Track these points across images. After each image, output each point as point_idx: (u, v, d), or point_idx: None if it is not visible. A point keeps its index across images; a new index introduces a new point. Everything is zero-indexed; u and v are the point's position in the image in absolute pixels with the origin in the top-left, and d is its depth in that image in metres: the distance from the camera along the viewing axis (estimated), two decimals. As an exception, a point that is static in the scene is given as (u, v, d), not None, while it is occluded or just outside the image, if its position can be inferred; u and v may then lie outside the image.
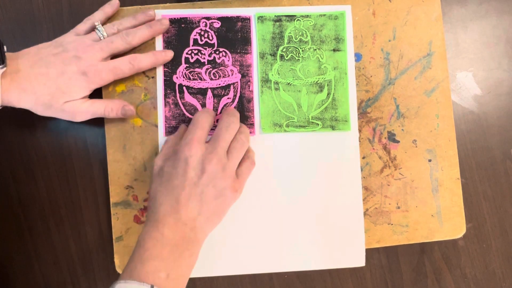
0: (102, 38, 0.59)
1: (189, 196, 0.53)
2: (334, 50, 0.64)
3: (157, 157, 0.58)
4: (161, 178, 0.55)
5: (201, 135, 0.56)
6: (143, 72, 0.63)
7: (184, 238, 0.53)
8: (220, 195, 0.55)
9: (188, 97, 0.63)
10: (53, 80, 0.56)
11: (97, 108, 0.59)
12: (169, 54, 0.62)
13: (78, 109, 0.58)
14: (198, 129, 0.57)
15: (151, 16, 0.62)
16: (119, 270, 0.62)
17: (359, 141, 0.64)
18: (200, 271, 0.63)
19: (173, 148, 0.58)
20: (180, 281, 0.53)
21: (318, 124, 0.63)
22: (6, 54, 0.55)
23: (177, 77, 0.63)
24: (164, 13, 0.63)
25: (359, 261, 0.63)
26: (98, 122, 0.63)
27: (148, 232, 0.52)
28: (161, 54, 0.62)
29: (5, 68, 0.54)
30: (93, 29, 0.61)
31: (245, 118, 0.63)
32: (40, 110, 0.57)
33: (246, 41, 0.64)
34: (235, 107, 0.63)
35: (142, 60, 0.60)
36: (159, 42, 0.63)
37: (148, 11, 0.62)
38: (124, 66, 0.59)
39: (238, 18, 0.63)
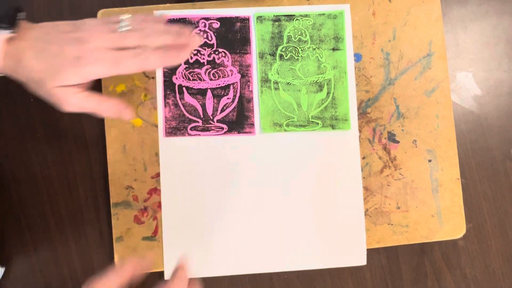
0: (120, 29, 0.53)
1: None
2: (333, 49, 0.64)
3: None
4: None
5: None
6: (143, 72, 0.63)
7: None
8: None
9: (188, 98, 0.63)
10: (49, 58, 0.50)
11: (89, 105, 0.53)
12: (183, 56, 0.54)
13: (67, 98, 0.52)
14: None
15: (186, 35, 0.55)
16: (119, 270, 0.62)
17: (359, 141, 0.64)
18: (200, 271, 0.63)
19: None
20: None
21: (318, 123, 0.63)
22: (23, 22, 0.52)
23: (176, 78, 0.63)
24: (164, 14, 0.63)
25: (360, 260, 0.63)
26: (98, 122, 0.64)
27: None
28: (172, 55, 0.53)
29: (13, 34, 0.50)
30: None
31: (245, 118, 0.63)
32: (32, 87, 0.52)
33: (245, 41, 0.64)
34: (235, 107, 0.63)
35: (150, 57, 0.51)
36: (159, 42, 0.63)
37: (187, 31, 0.55)
38: (127, 60, 0.51)
39: (237, 19, 0.64)
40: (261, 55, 0.63)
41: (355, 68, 0.64)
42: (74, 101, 0.52)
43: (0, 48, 0.50)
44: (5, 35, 0.50)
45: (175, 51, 0.53)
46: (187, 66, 0.63)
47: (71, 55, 0.50)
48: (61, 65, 0.50)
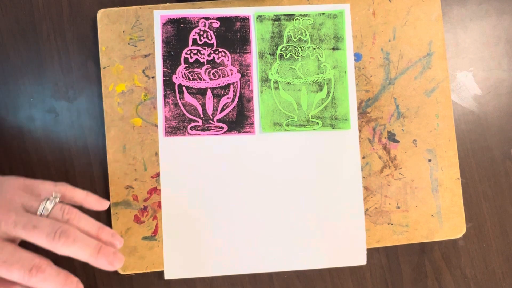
0: (40, 214, 0.43)
1: None
2: (333, 49, 0.64)
3: None
4: None
5: None
6: (143, 72, 0.63)
7: None
8: None
9: (188, 97, 0.63)
10: None
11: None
12: None
13: None
14: None
15: (115, 245, 0.47)
16: (119, 270, 0.62)
17: (359, 141, 0.64)
18: (200, 271, 0.63)
19: None
20: None
21: (318, 123, 0.63)
22: None
23: (176, 77, 0.63)
24: (163, 13, 0.63)
25: (361, 259, 0.63)
26: (98, 122, 0.64)
27: None
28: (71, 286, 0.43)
29: None
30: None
31: (245, 117, 0.63)
32: None
33: (245, 40, 0.64)
34: (235, 107, 0.63)
35: (46, 279, 0.41)
36: (158, 43, 0.63)
37: (117, 240, 0.47)
38: (17, 270, 0.40)
39: (237, 18, 0.64)
40: (261, 55, 0.63)
41: (355, 68, 0.64)
42: None
43: None
44: None
45: (72, 285, 0.43)
46: (187, 65, 0.63)
47: None
48: None
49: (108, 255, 0.43)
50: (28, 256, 0.41)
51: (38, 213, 0.43)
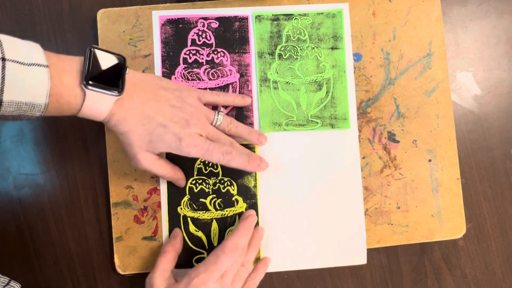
0: (215, 124, 0.59)
1: None
2: (332, 48, 0.64)
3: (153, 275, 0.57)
4: None
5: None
6: (143, 72, 0.63)
7: None
8: None
9: (187, 97, 0.63)
10: (153, 127, 0.54)
11: (158, 170, 0.57)
12: (264, 167, 0.60)
13: (146, 160, 0.56)
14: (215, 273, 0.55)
15: (261, 142, 0.62)
16: (119, 270, 0.62)
17: (359, 141, 0.64)
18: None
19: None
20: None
21: (317, 123, 0.63)
22: (127, 76, 0.53)
23: (175, 78, 0.63)
24: (162, 13, 0.63)
25: (361, 259, 0.63)
26: (98, 122, 0.64)
27: None
28: (256, 162, 0.59)
29: (121, 95, 0.52)
30: (215, 106, 0.62)
31: (244, 117, 0.63)
32: (120, 138, 0.55)
33: (244, 40, 0.64)
34: (234, 107, 0.63)
35: (235, 159, 0.57)
36: (157, 43, 0.63)
37: (263, 138, 0.62)
38: (216, 155, 0.56)
39: (235, 18, 0.64)
40: (260, 55, 0.63)
41: (355, 68, 0.64)
42: (148, 164, 0.56)
43: (107, 109, 0.52)
44: (114, 97, 0.51)
45: (256, 161, 0.59)
46: (186, 66, 0.63)
47: (174, 134, 0.54)
48: (163, 139, 0.54)
49: (255, 160, 0.59)
50: (220, 145, 0.57)
51: (213, 123, 0.59)
